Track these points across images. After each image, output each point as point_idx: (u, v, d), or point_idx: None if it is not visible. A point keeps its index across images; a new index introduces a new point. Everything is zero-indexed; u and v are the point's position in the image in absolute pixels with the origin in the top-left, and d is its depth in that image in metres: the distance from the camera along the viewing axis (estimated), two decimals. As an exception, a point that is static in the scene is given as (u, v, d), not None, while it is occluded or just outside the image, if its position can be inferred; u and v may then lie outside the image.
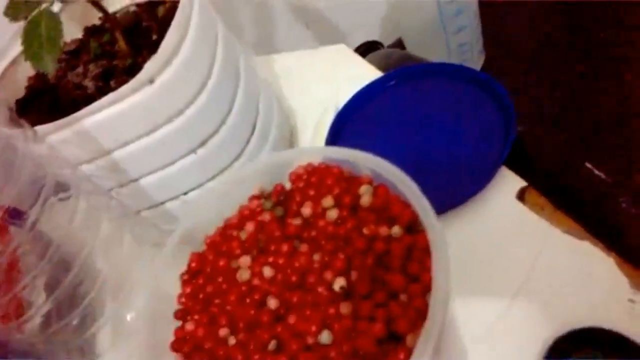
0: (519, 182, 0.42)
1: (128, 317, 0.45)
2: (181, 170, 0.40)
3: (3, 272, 0.36)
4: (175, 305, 0.30)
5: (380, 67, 0.57)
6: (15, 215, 0.40)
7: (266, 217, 0.30)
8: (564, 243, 0.39)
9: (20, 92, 0.43)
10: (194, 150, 0.39)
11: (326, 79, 0.57)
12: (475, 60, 0.74)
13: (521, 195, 0.42)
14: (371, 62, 0.59)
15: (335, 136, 0.50)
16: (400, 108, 0.50)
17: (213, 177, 0.41)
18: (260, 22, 0.90)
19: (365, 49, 0.77)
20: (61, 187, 0.38)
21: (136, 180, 0.39)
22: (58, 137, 0.35)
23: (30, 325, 0.36)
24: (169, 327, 0.29)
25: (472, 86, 0.48)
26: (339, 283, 0.26)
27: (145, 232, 0.42)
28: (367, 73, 0.55)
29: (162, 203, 0.42)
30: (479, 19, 0.70)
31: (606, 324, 0.34)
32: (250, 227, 0.29)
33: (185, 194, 0.41)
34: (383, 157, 0.28)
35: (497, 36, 0.78)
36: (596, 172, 0.39)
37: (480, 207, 0.42)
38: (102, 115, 0.35)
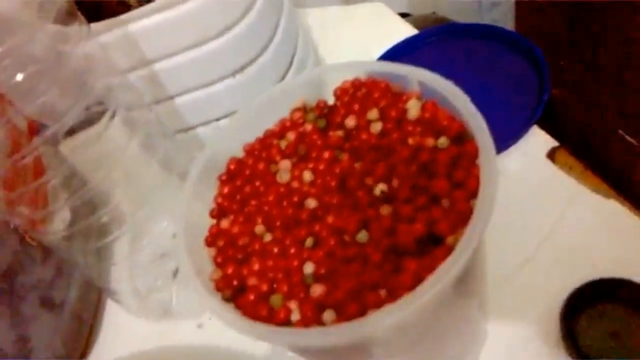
0: (550, 142, 0.42)
1: (144, 242, 0.45)
2: (218, 93, 0.40)
3: (30, 165, 0.36)
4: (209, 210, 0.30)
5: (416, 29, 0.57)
6: (38, 128, 0.40)
7: (308, 127, 0.30)
8: (592, 200, 0.39)
9: (63, 5, 0.43)
10: (233, 74, 0.39)
11: (361, 35, 0.57)
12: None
13: (551, 154, 0.42)
14: (406, 25, 0.59)
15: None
16: (434, 66, 0.50)
17: (247, 106, 0.41)
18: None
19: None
20: (98, 100, 0.38)
21: (172, 97, 0.39)
22: (105, 39, 0.35)
23: (52, 224, 0.36)
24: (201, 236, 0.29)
25: (509, 47, 0.48)
26: (379, 188, 0.26)
27: (175, 156, 0.42)
28: (403, 31, 0.55)
29: (195, 127, 0.42)
30: (513, -2, 0.70)
31: (629, 277, 0.34)
32: (291, 136, 0.30)
33: (217, 120, 0.41)
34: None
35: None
36: (628, 138, 0.39)
37: (511, 162, 0.42)
38: (149, 21, 0.35)
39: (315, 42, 0.58)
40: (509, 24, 0.72)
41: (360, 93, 0.30)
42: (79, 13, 0.31)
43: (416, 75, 0.28)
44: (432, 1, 0.76)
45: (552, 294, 0.34)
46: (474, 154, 0.25)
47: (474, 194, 0.24)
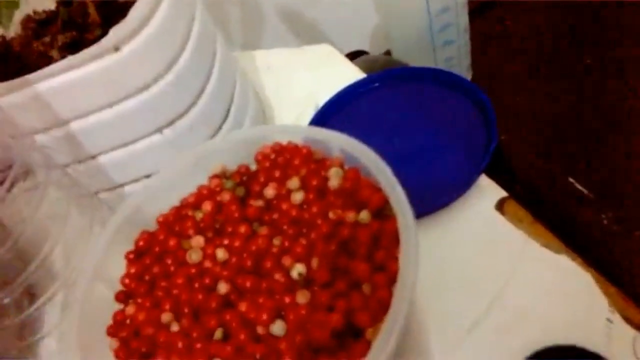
0: (498, 192, 0.41)
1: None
2: (144, 150, 0.37)
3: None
4: (117, 288, 0.27)
5: (365, 71, 0.55)
6: None
7: (226, 197, 0.27)
8: (542, 256, 0.37)
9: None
10: (160, 130, 0.37)
11: (308, 78, 0.56)
12: (463, 74, 0.73)
13: (500, 206, 0.40)
14: (357, 66, 0.57)
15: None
16: (381, 110, 0.48)
17: (179, 162, 0.39)
18: (250, 24, 0.88)
19: (352, 58, 0.76)
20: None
21: (94, 157, 0.37)
22: (16, 97, 0.32)
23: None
24: (110, 313, 0.26)
25: (456, 92, 0.46)
26: (297, 269, 0.23)
27: (100, 214, 0.39)
28: (351, 74, 0.53)
29: (122, 185, 0.39)
30: (468, 35, 0.70)
31: (582, 343, 0.32)
32: (207, 206, 0.27)
33: (147, 176, 0.39)
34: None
35: (484, 55, 0.77)
36: (578, 186, 0.37)
37: (458, 215, 0.40)
38: (59, 80, 0.32)
39: (260, 85, 0.56)
40: (464, 60, 0.71)
41: (281, 159, 0.27)
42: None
43: (338, 143, 0.26)
44: (389, 40, 0.76)
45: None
46: (396, 232, 0.22)
47: (395, 278, 0.21)
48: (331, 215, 0.24)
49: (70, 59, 0.32)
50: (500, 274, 0.36)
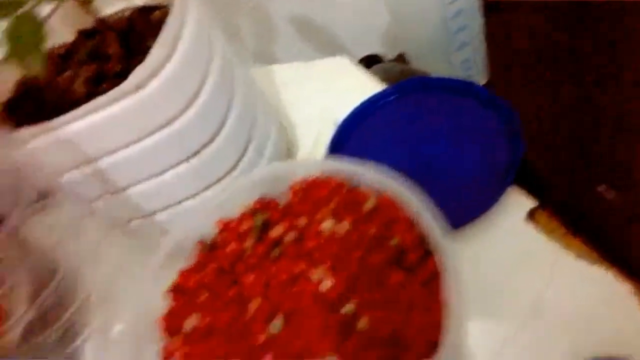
0: (529, 203, 0.40)
1: (115, 330, 0.42)
2: (173, 179, 0.37)
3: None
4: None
5: (381, 80, 0.55)
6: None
7: (256, 249, 0.27)
8: (576, 268, 0.36)
9: (9, 93, 0.41)
10: (187, 160, 0.37)
11: (326, 91, 0.56)
12: (479, 76, 0.72)
13: (531, 217, 0.40)
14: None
15: (335, 150, 0.48)
16: (402, 122, 0.48)
17: (208, 187, 0.39)
18: (262, 33, 0.88)
19: (365, 64, 0.76)
20: (42, 196, 0.35)
21: (125, 188, 0.37)
22: (41, 141, 0.33)
23: (11, 335, 0.33)
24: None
25: (476, 102, 0.46)
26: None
27: (135, 242, 0.40)
28: (368, 85, 0.53)
29: (154, 213, 0.39)
30: (483, 36, 0.69)
31: (625, 353, 0.31)
32: (233, 246, 0.27)
33: (178, 203, 0.39)
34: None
35: (501, 49, 0.76)
36: (609, 194, 0.37)
37: (488, 228, 0.40)
38: (87, 122, 0.33)
39: (279, 102, 0.56)
40: (479, 62, 0.71)
41: (313, 191, 0.27)
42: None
43: (370, 177, 0.26)
44: (401, 44, 0.75)
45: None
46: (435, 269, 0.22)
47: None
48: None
49: (95, 102, 0.32)
50: (534, 288, 0.36)
